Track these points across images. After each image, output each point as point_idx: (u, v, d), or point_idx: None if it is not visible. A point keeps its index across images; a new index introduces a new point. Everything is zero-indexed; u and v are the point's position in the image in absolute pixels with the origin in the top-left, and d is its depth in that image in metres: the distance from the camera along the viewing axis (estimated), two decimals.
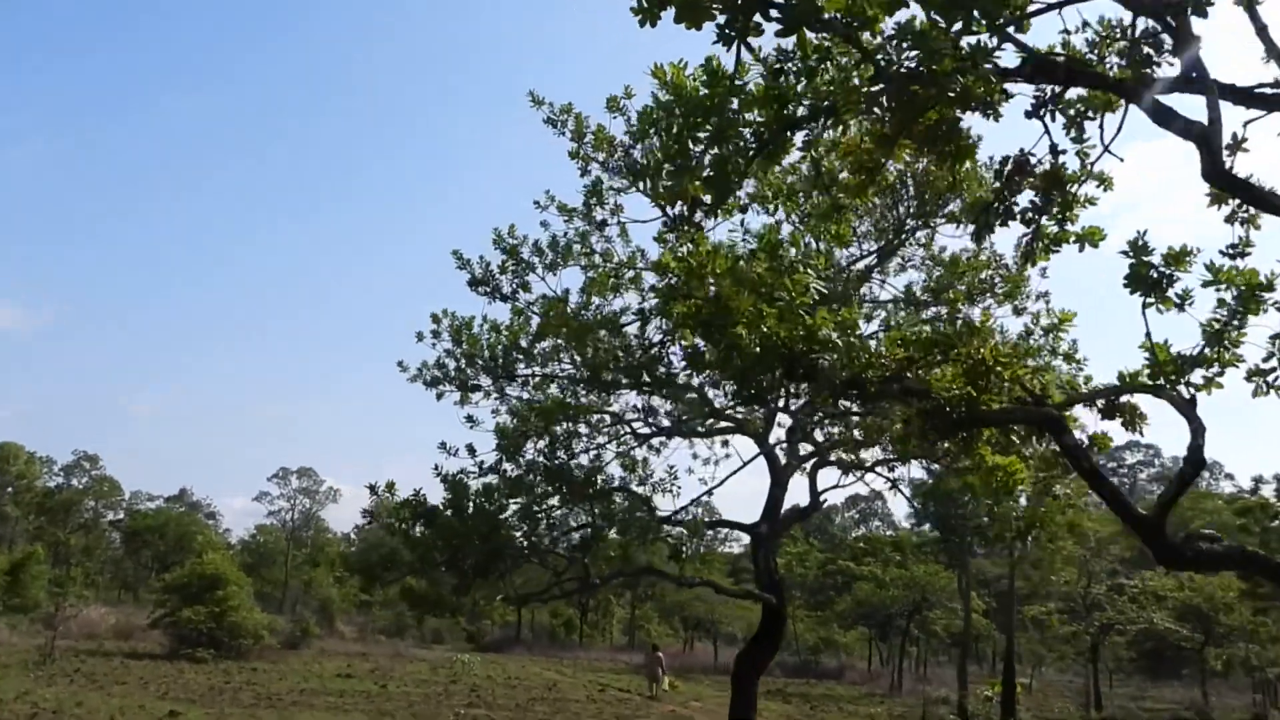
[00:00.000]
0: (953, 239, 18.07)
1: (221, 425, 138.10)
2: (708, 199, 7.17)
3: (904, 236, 14.28)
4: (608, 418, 13.83)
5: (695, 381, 12.55)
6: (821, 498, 14.51)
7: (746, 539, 13.94)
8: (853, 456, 13.42)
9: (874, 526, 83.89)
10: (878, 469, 14.05)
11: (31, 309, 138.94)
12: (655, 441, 16.28)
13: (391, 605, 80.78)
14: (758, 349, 6.81)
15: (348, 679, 35.61)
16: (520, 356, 14.56)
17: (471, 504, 10.85)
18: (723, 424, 14.54)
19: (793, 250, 7.90)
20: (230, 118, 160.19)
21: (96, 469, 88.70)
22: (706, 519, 11.87)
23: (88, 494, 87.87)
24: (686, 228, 7.63)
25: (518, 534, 11.21)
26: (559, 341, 14.28)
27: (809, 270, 7.58)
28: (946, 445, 9.90)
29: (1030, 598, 51.24)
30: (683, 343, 11.00)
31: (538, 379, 14.41)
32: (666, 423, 15.37)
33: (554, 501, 11.46)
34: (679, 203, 7.73)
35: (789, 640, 76.91)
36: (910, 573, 46.67)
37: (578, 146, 13.00)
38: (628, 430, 14.87)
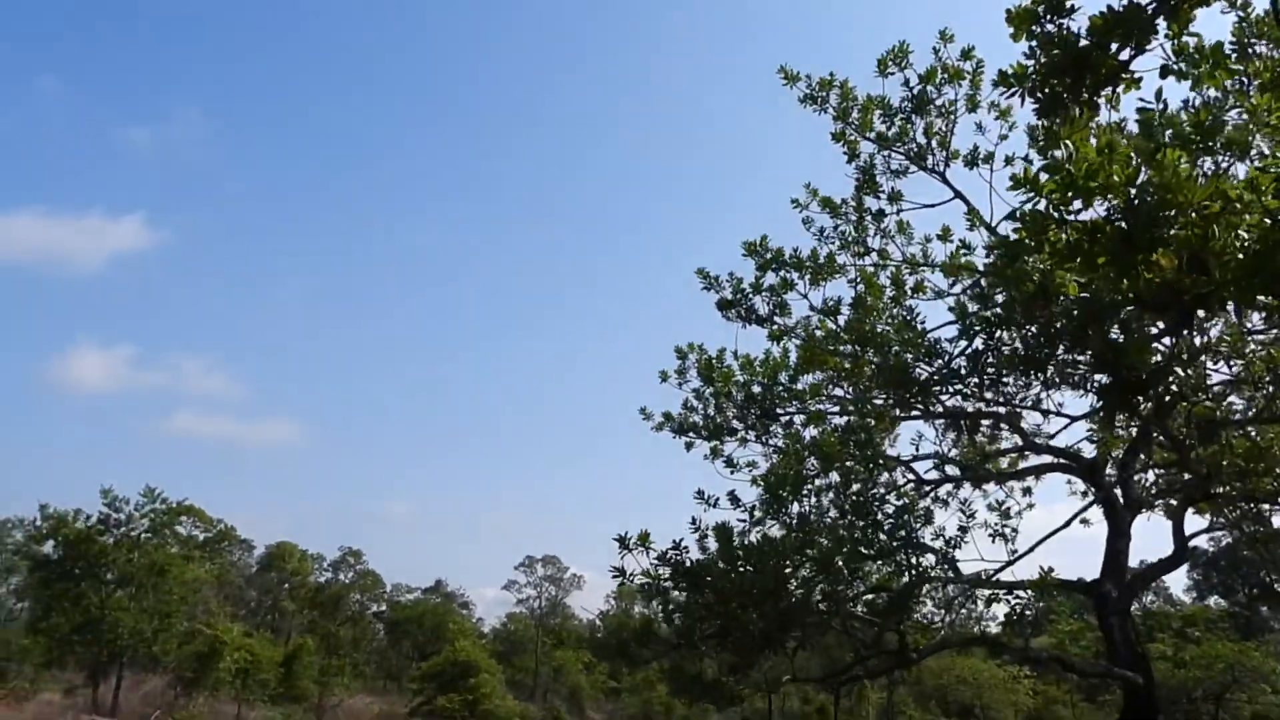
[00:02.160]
0: None
1: (469, 520, 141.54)
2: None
3: None
4: (907, 444, 10.95)
5: (1032, 386, 9.61)
6: (1196, 544, 11.07)
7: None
8: (1240, 486, 9.98)
9: (1147, 601, 75.11)
10: None
11: (302, 423, 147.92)
12: (943, 491, 13.27)
13: (639, 691, 78.61)
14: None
15: None
16: (783, 393, 11.98)
17: (748, 557, 8.17)
18: (1043, 459, 11.42)
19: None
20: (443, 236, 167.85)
21: (360, 564, 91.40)
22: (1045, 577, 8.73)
23: (353, 588, 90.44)
24: (1069, 110, 4.88)
25: (815, 593, 8.42)
26: (828, 374, 11.60)
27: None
28: None
29: None
30: (1029, 328, 8.14)
31: (806, 416, 11.75)
32: (954, 469, 12.35)
33: (862, 549, 8.64)
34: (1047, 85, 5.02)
35: None
36: (1212, 650, 40.14)
37: (842, 126, 10.50)
38: (910, 477, 11.95)
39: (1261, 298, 4.54)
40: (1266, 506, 12.78)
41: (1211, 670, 40.47)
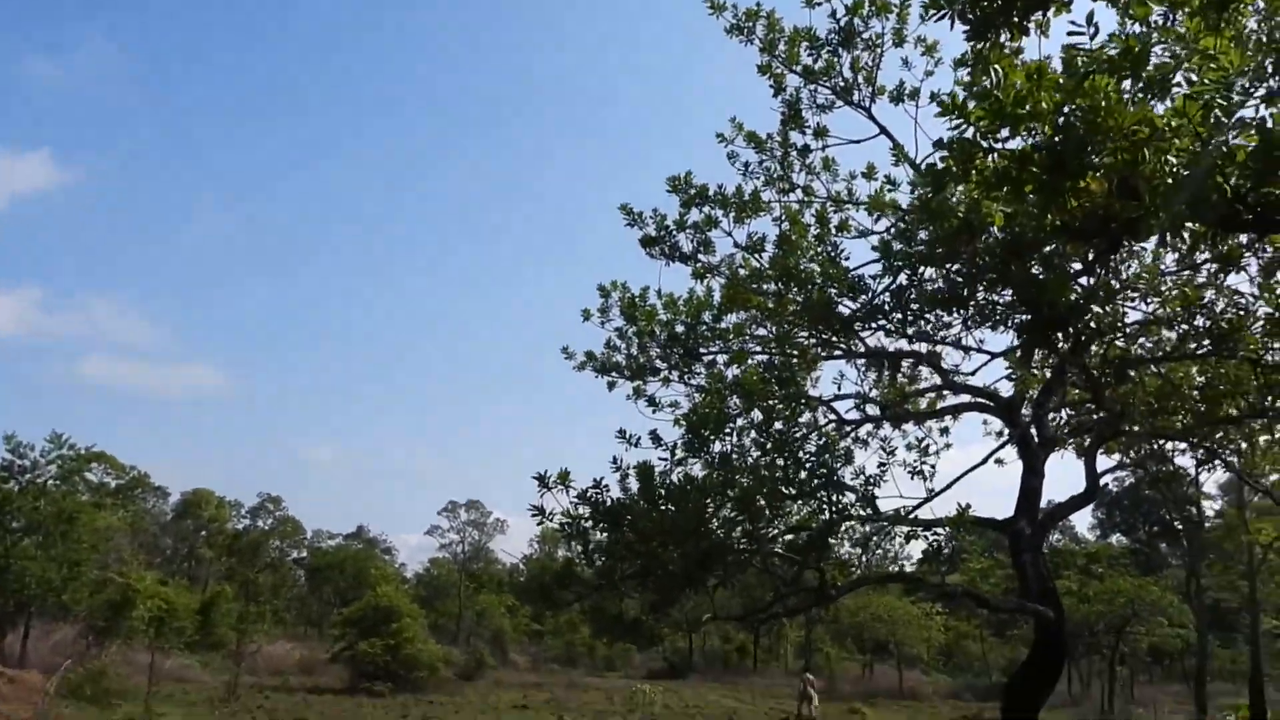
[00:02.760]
0: None
1: (393, 465, 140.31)
2: None
3: None
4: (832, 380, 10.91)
5: (954, 322, 9.60)
6: (1103, 482, 11.27)
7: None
8: (1150, 424, 10.12)
9: (1054, 540, 77.69)
10: (1197, 438, 10.68)
11: (221, 368, 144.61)
12: (863, 431, 13.32)
13: (563, 634, 79.31)
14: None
15: (523, 710, 33.57)
16: (707, 332, 11.85)
17: (670, 496, 8.05)
18: (961, 398, 11.50)
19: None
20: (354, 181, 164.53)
21: (280, 510, 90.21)
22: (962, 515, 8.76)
23: (273, 534, 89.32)
24: (999, 33, 4.73)
25: (735, 531, 8.34)
26: (751, 312, 11.48)
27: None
28: None
29: (1243, 609, 45.47)
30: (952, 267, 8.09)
31: (729, 355, 11.65)
32: (874, 409, 12.38)
33: (783, 488, 8.57)
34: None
35: (974, 661, 71.62)
36: (1114, 585, 41.71)
37: (769, 59, 10.28)
38: (831, 417, 11.94)
39: (1190, 225, 4.48)
40: (1170, 446, 13.11)
41: (1113, 605, 42.15)
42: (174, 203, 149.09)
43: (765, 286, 11.19)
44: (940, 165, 5.42)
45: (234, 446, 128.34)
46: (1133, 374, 10.17)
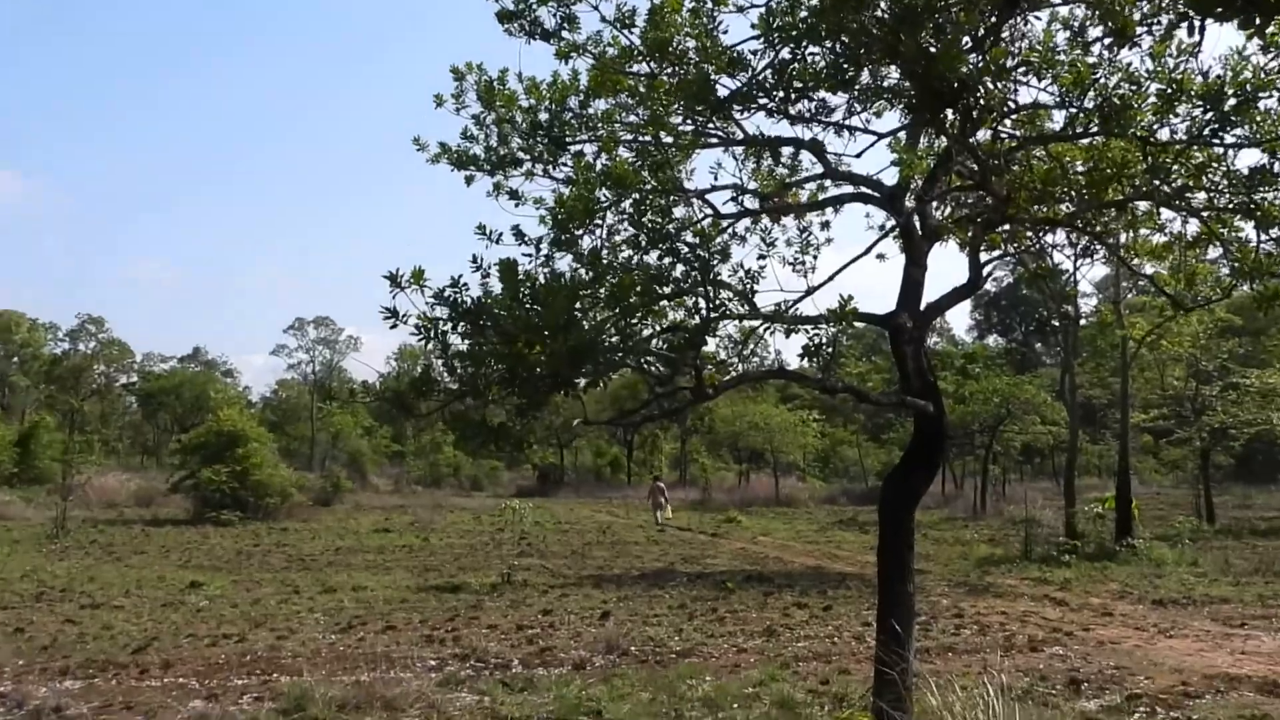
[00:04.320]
0: None
1: (232, 279, 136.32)
2: None
3: None
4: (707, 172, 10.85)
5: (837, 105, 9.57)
6: (985, 272, 11.63)
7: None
8: (1036, 210, 10.42)
9: (932, 342, 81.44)
10: (1082, 224, 11.07)
11: (22, 172, 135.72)
12: (741, 226, 13.39)
13: (425, 453, 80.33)
14: None
15: (385, 534, 34.20)
16: (573, 120, 11.53)
17: (535, 294, 7.99)
18: (843, 189, 11.61)
19: None
20: None
21: (103, 332, 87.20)
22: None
23: (96, 358, 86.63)
24: None
25: (607, 330, 8.37)
26: (621, 97, 11.19)
27: None
28: None
29: (1113, 405, 48.83)
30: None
31: (598, 144, 11.41)
32: (753, 202, 12.41)
33: (657, 286, 8.57)
34: None
35: (850, 466, 75.70)
36: (990, 385, 44.19)
37: None
38: (707, 211, 11.93)
39: None
40: (1051, 240, 13.64)
41: (988, 405, 44.75)
42: None
43: (636, 67, 10.89)
44: None
45: (44, 263, 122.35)
46: (1022, 155, 10.40)
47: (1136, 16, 8.54)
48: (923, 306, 11.26)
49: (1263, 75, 7.55)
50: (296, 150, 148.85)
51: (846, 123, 10.13)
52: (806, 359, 9.22)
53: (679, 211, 10.90)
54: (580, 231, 9.17)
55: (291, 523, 38.01)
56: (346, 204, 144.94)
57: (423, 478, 74.21)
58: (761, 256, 9.65)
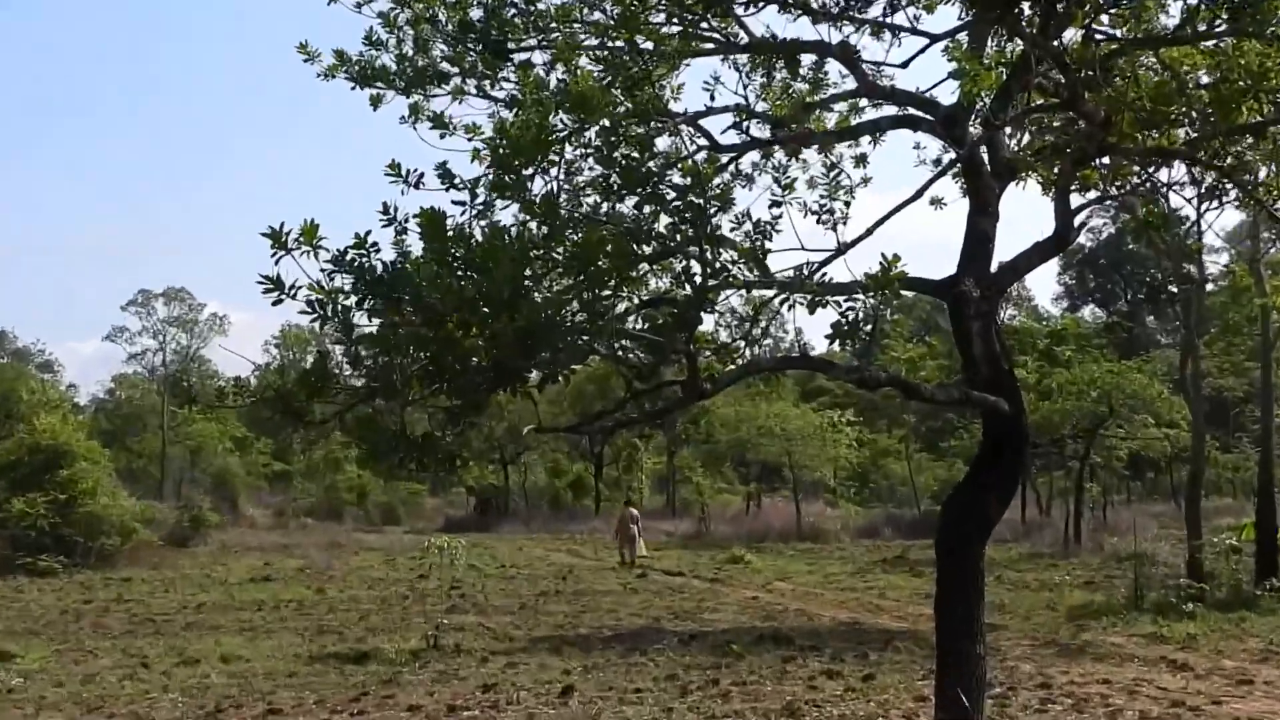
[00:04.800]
0: None
1: (48, 240, 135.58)
2: None
3: None
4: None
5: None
6: (1077, 222, 11.73)
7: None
8: (1143, 139, 10.45)
9: (1007, 316, 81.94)
10: (1205, 157, 11.11)
11: None
12: (747, 162, 13.57)
13: (320, 474, 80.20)
14: None
15: (266, 584, 34.20)
16: (517, 19, 11.64)
17: (471, 257, 8.03)
18: (884, 110, 11.71)
19: None
20: None
21: None
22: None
23: None
24: None
25: (568, 304, 8.42)
26: None
27: None
28: None
29: (1250, 400, 49.21)
30: None
31: (551, 54, 11.50)
32: (762, 129, 12.51)
33: (636, 243, 8.62)
34: None
35: (897, 486, 76.00)
36: (1085, 374, 44.47)
37: None
38: (701, 142, 12.04)
39: None
40: (1166, 176, 13.79)
41: (1084, 400, 44.93)
42: None
43: None
44: None
45: None
46: (1122, 65, 10.52)
47: None
48: (994, 268, 11.40)
49: None
50: (143, 65, 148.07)
51: (888, 20, 10.24)
52: (837, 341, 9.32)
53: (663, 143, 10.98)
54: (530, 171, 9.23)
55: (137, 570, 37.87)
56: (214, 140, 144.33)
57: (316, 507, 74.10)
58: (775, 203, 9.67)
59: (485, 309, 7.71)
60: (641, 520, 44.67)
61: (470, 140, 11.11)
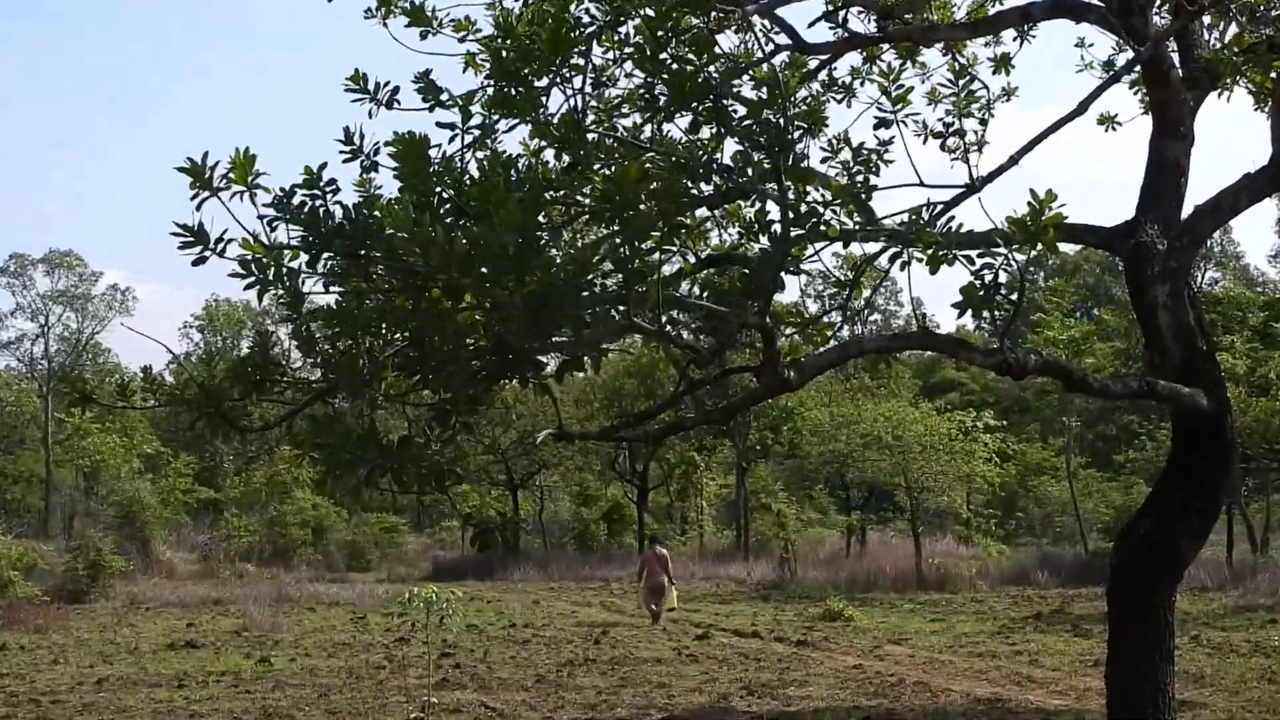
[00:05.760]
0: None
1: None
2: None
3: None
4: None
5: None
6: None
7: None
8: None
9: (1206, 280, 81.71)
10: None
11: None
12: (844, 66, 13.66)
13: (257, 505, 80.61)
14: None
15: (191, 652, 34.42)
16: None
17: (466, 201, 8.07)
18: None
19: None
20: None
21: None
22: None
23: None
24: None
25: (598, 262, 8.45)
26: None
27: None
28: None
29: None
30: None
31: None
32: (864, 22, 12.57)
33: (692, 181, 8.65)
34: None
35: (1054, 515, 75.74)
36: None
37: None
38: (782, 39, 12.09)
39: None
40: None
41: None
42: None
43: None
44: None
45: None
46: None
47: None
48: (1186, 211, 11.39)
49: None
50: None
51: None
52: (969, 313, 9.33)
53: (727, 42, 11.04)
54: (544, 82, 9.28)
55: (15, 635, 38.24)
56: (109, 59, 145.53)
57: (257, 548, 74.57)
58: (883, 123, 9.69)
59: (484, 269, 7.70)
60: (681, 563, 45.69)
61: (462, 41, 11.21)
